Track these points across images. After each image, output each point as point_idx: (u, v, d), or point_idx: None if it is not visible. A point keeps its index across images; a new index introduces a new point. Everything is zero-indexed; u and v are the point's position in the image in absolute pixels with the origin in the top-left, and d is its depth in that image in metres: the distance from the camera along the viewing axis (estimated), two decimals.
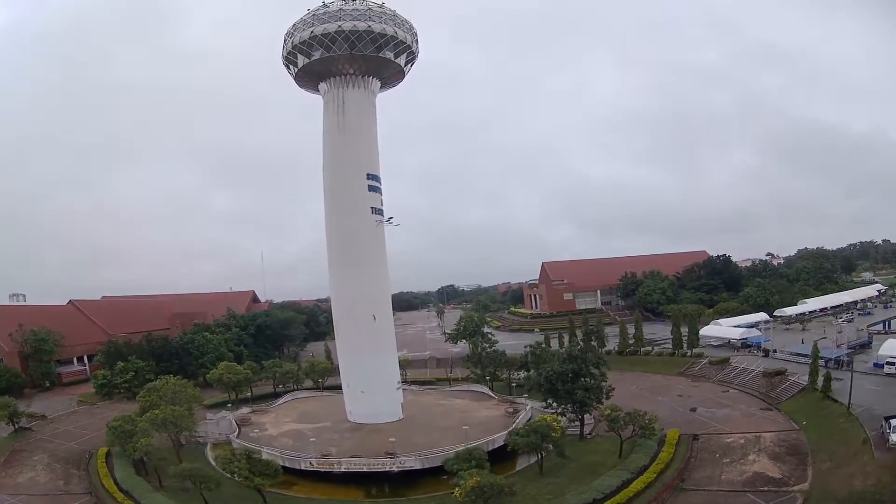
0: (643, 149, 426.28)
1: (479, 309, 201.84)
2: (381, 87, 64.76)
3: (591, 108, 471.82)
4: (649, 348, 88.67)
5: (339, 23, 56.68)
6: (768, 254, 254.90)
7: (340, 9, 57.33)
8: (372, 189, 61.86)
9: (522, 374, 74.74)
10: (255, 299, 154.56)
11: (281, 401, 73.30)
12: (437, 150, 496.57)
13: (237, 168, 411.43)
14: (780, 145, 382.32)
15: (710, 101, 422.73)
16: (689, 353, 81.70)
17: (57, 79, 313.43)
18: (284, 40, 60.78)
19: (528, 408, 58.94)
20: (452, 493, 37.44)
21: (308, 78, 62.95)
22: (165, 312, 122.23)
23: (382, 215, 62.47)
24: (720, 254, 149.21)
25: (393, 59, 60.70)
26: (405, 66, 63.12)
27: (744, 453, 47.67)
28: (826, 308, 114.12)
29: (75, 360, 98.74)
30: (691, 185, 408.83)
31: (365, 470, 47.22)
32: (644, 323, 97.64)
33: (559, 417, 51.41)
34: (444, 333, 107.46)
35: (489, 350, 76.93)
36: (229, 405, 71.33)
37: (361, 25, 56.86)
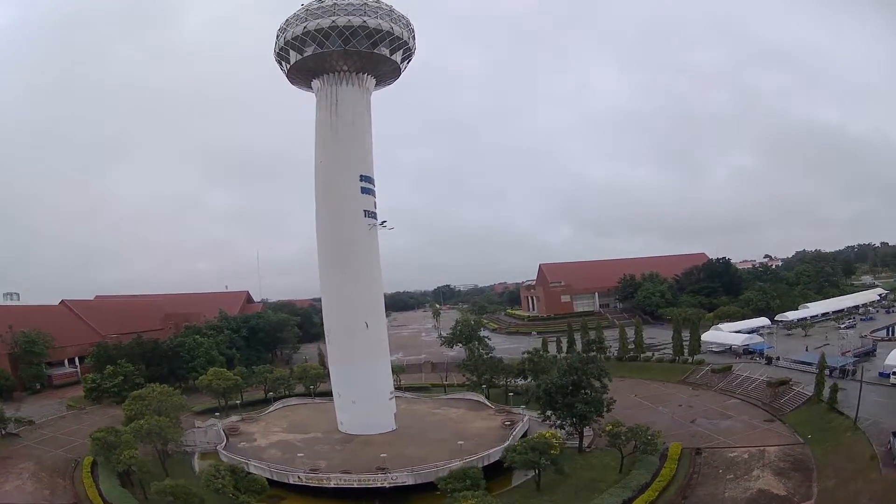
0: (642, 149, 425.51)
1: (475, 310, 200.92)
2: (376, 85, 62.71)
3: (591, 109, 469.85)
4: (649, 354, 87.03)
5: (333, 18, 54.70)
6: (766, 255, 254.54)
7: (335, 3, 55.27)
8: (365, 191, 59.69)
9: (520, 381, 72.96)
10: (248, 300, 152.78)
11: (271, 408, 71.55)
12: (435, 149, 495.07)
13: (234, 166, 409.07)
14: (779, 146, 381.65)
15: (710, 101, 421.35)
16: (690, 360, 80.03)
17: (52, 76, 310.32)
18: (277, 36, 58.81)
19: (525, 419, 57.23)
20: None
21: (301, 75, 60.91)
22: (159, 313, 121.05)
23: (376, 219, 60.35)
24: (720, 257, 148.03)
25: (388, 55, 58.58)
26: (401, 63, 61.07)
27: (748, 469, 46.20)
28: (828, 313, 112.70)
29: (66, 361, 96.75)
30: (690, 186, 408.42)
31: (356, 486, 45.46)
32: (643, 326, 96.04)
33: (558, 432, 49.75)
34: (440, 337, 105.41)
35: (486, 357, 74.69)
36: (217, 414, 69.32)
37: (356, 20, 54.85)
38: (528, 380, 71.63)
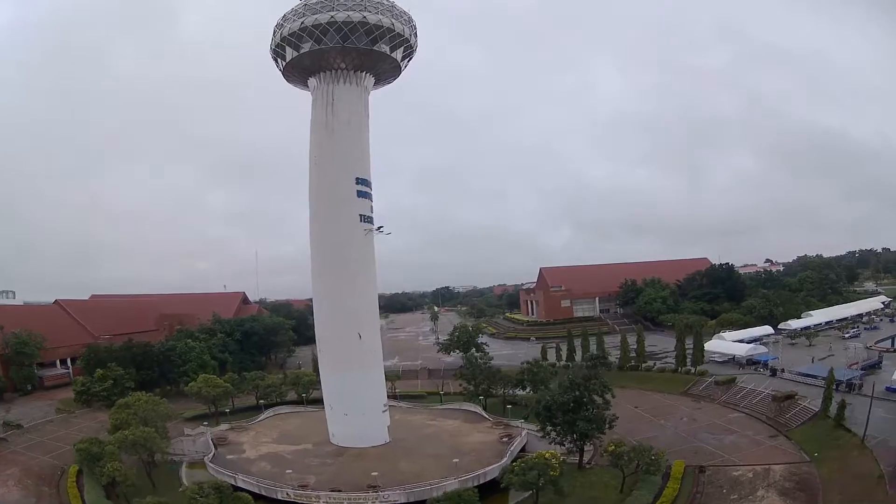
0: (643, 151, 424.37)
1: (473, 313, 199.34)
2: (375, 84, 60.37)
3: (593, 109, 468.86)
4: (651, 364, 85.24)
5: (332, 13, 52.34)
6: (767, 260, 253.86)
7: None
8: (361, 195, 57.35)
9: (518, 391, 71.17)
10: (245, 301, 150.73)
11: (262, 416, 69.69)
12: (435, 148, 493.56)
13: (234, 165, 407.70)
14: (781, 149, 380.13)
15: (712, 103, 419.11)
16: (693, 371, 78.26)
17: (51, 73, 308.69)
18: (274, 32, 56.53)
19: (523, 434, 55.37)
20: None
21: (297, 72, 58.67)
22: (154, 313, 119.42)
23: (372, 223, 58.11)
24: (722, 262, 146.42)
25: (388, 53, 56.21)
26: (402, 61, 58.65)
27: (752, 489, 44.77)
28: (831, 321, 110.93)
29: (59, 362, 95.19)
30: (691, 189, 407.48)
31: None
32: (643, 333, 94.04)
33: (557, 450, 47.98)
34: (438, 342, 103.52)
35: (484, 366, 72.55)
36: (205, 423, 67.34)
37: (356, 16, 52.53)
38: (527, 390, 69.98)
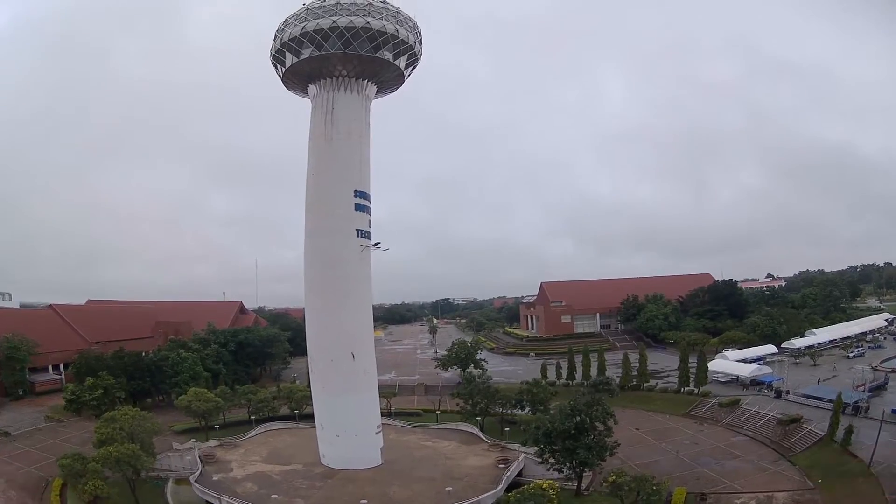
0: (647, 164, 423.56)
1: (472, 326, 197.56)
2: (377, 93, 58.27)
3: (599, 121, 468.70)
4: (653, 384, 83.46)
5: (334, 17, 50.42)
6: (768, 275, 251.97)
7: (337, 3, 51.07)
8: (359, 208, 55.15)
9: (517, 410, 69.44)
10: (241, 310, 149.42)
11: (252, 433, 67.90)
12: (439, 159, 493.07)
13: (237, 170, 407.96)
14: (786, 164, 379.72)
15: (717, 117, 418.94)
16: (696, 392, 76.59)
17: (53, 73, 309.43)
18: (275, 37, 54.66)
19: (520, 458, 53.48)
20: None
21: (297, 79, 56.74)
22: (150, 320, 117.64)
23: (370, 239, 55.96)
24: (725, 278, 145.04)
25: (391, 60, 54.16)
26: (405, 69, 56.56)
27: None
28: (835, 339, 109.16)
29: (51, 368, 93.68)
30: (693, 203, 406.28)
31: None
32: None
33: (555, 476, 46.17)
34: (436, 358, 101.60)
35: (482, 386, 70.39)
36: (193, 439, 65.48)
37: (359, 21, 50.49)
38: (526, 410, 68.22)
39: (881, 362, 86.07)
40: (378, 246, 56.14)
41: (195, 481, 50.15)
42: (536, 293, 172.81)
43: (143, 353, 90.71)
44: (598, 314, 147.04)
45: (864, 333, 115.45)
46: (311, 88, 56.83)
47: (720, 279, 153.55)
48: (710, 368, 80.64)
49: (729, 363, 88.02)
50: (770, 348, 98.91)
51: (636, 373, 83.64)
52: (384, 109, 63.69)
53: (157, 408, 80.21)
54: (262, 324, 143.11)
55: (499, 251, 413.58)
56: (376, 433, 55.54)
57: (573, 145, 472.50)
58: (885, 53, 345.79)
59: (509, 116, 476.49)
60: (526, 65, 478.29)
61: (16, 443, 63.11)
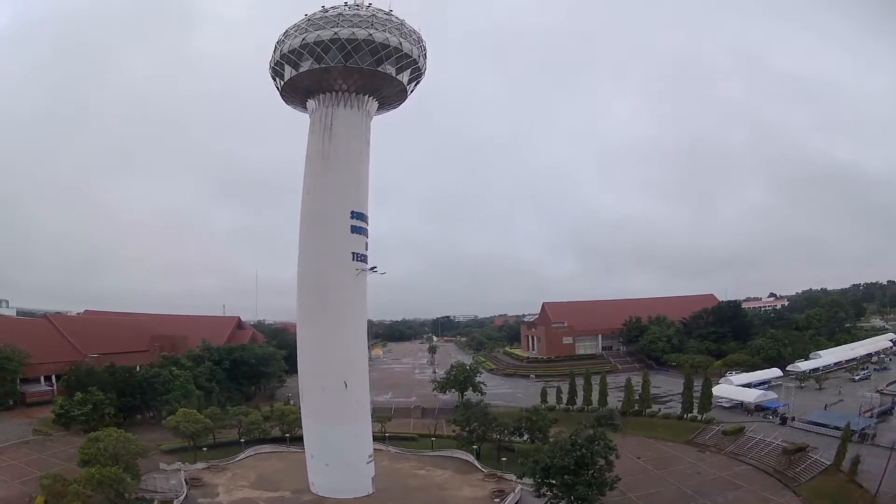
0: (650, 181, 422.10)
1: (472, 345, 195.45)
2: (378, 109, 56.34)
3: (603, 138, 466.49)
4: (655, 409, 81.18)
5: (336, 29, 48.57)
6: (771, 294, 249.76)
7: (340, 14, 49.44)
8: (356, 230, 53.02)
9: (515, 437, 67.56)
10: (239, 325, 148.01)
11: (241, 455, 66.07)
12: (441, 173, 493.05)
13: (240, 181, 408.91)
14: (789, 180, 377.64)
15: (723, 132, 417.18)
16: (699, 418, 74.59)
17: (55, 81, 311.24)
18: (275, 48, 52.94)
19: (517, 489, 51.59)
20: None
21: (295, 93, 54.97)
22: (146, 333, 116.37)
23: (366, 262, 53.83)
24: (728, 298, 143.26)
25: (394, 75, 52.09)
26: (408, 84, 54.47)
27: None
28: (840, 361, 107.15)
29: (42, 379, 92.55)
30: (696, 220, 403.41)
31: None
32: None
33: None
34: (434, 381, 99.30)
35: (480, 413, 68.16)
36: (179, 462, 63.70)
37: (361, 33, 48.61)
38: (525, 438, 66.28)
39: (887, 385, 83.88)
40: (374, 270, 54.12)
41: None
42: (538, 311, 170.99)
43: (138, 367, 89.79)
44: (599, 335, 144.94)
45: (870, 355, 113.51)
46: (311, 103, 55.00)
47: (724, 299, 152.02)
48: (714, 394, 78.72)
49: (733, 388, 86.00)
50: (775, 372, 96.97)
51: (638, 397, 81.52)
52: (385, 123, 61.98)
53: (147, 424, 78.84)
54: (260, 339, 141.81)
55: (501, 268, 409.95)
56: (367, 462, 53.45)
57: (577, 160, 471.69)
58: (888, 66, 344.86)
59: (512, 130, 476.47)
60: (530, 79, 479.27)
61: (2, 456, 61.87)
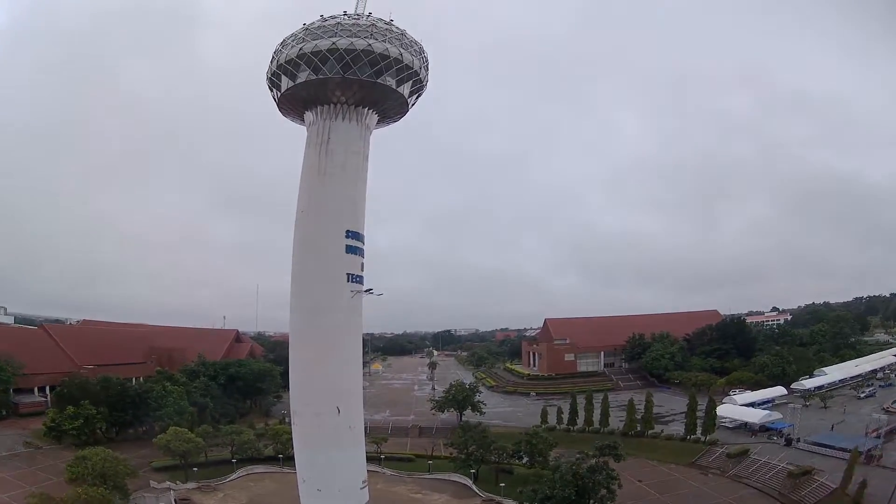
0: (654, 196, 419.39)
1: (473, 360, 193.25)
2: (378, 122, 54.02)
3: (607, 154, 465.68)
4: (658, 430, 79.58)
5: (334, 39, 46.73)
6: (774, 308, 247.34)
7: (339, 23, 47.79)
8: (351, 250, 50.36)
9: (514, 460, 66.06)
10: (237, 338, 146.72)
11: (233, 476, 64.75)
12: (444, 188, 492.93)
13: (242, 193, 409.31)
14: (792, 194, 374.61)
15: (727, 147, 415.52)
16: (703, 440, 73.06)
17: (58, 88, 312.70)
18: (272, 58, 51.01)
19: None
20: None
21: (292, 105, 52.65)
22: (143, 345, 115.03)
23: (361, 283, 51.37)
24: (732, 314, 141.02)
25: (394, 87, 49.86)
26: (409, 97, 52.27)
27: None
28: (845, 378, 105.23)
29: (36, 389, 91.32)
30: (699, 234, 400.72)
31: None
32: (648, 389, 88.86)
33: None
34: (433, 400, 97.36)
35: (479, 435, 66.43)
36: (169, 482, 62.32)
37: (360, 43, 46.67)
38: (524, 460, 64.72)
39: (893, 402, 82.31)
40: (370, 292, 51.97)
41: None
42: (540, 326, 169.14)
43: (133, 380, 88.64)
44: (602, 352, 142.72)
45: (875, 371, 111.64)
46: (308, 115, 52.81)
47: (726, 313, 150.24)
48: (718, 414, 77.03)
49: (738, 409, 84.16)
50: (779, 390, 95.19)
51: (640, 419, 79.89)
52: (388, 136, 60.52)
53: (140, 440, 77.33)
54: (259, 352, 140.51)
55: (503, 282, 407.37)
56: (361, 488, 51.65)
57: (580, 175, 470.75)
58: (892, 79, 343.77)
59: (515, 146, 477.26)
60: (536, 95, 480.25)
61: None
